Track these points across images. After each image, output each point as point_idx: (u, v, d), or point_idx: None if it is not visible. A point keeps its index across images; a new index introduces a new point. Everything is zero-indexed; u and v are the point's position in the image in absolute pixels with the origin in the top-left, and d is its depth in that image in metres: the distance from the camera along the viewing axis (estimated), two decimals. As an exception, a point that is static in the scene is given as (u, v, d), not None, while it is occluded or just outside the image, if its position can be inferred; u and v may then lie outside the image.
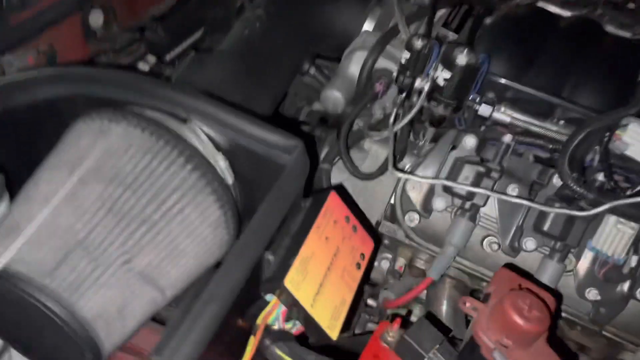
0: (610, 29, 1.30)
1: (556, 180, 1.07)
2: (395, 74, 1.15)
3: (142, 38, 1.36)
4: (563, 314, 1.11)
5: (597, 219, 1.04)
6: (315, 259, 0.85)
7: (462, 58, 1.04)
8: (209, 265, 0.95)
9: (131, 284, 0.83)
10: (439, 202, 1.10)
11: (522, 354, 0.77)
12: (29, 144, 0.99)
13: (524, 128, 1.14)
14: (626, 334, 1.11)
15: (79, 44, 1.30)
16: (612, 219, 1.03)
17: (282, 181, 0.86)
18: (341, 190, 1.13)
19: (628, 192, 1.01)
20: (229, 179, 0.95)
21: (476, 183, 1.08)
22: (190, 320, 0.68)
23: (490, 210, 1.10)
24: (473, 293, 1.19)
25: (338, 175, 1.20)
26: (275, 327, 0.80)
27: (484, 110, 1.13)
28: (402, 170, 1.12)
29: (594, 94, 1.17)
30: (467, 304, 0.81)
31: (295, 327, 0.83)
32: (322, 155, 1.23)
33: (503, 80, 1.16)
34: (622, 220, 1.02)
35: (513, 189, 1.08)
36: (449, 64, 1.06)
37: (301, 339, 0.85)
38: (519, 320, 0.75)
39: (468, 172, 1.08)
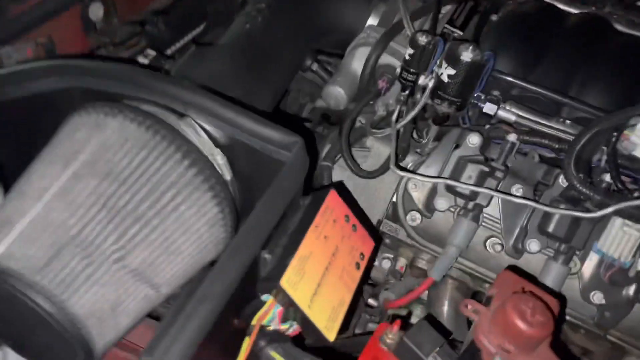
0: (619, 27, 1.28)
1: (562, 181, 1.05)
2: (398, 71, 1.13)
3: (142, 32, 1.35)
4: (567, 317, 1.09)
5: (603, 221, 1.02)
6: (313, 258, 0.83)
7: (467, 55, 1.02)
8: (206, 263, 0.93)
9: (125, 282, 0.81)
10: (442, 202, 1.08)
11: None
12: (25, 138, 0.97)
13: (529, 127, 1.12)
14: (631, 338, 1.08)
15: (79, 36, 1.29)
16: (618, 221, 1.01)
17: (281, 178, 0.84)
18: (341, 189, 1.11)
19: (635, 194, 0.99)
20: (227, 175, 0.94)
21: (480, 182, 1.06)
22: (182, 320, 0.66)
23: (493, 210, 1.08)
24: (475, 295, 1.17)
25: (339, 173, 1.18)
26: (271, 327, 0.78)
27: (489, 108, 1.12)
28: (404, 169, 1.11)
29: (602, 92, 1.15)
30: (469, 307, 0.79)
31: (292, 328, 0.81)
32: (324, 152, 1.21)
33: (509, 78, 1.14)
34: (628, 222, 1.00)
35: (517, 189, 1.06)
36: (453, 60, 1.04)
37: (298, 340, 0.84)
38: (521, 324, 0.73)
39: (471, 171, 1.06)
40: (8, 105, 0.93)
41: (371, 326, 1.25)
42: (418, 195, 1.12)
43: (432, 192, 1.11)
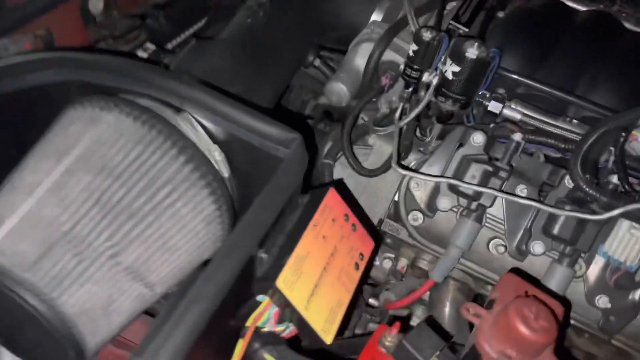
0: (627, 25, 1.26)
1: (567, 182, 1.04)
2: (402, 67, 1.11)
3: (143, 25, 1.33)
4: (571, 321, 1.07)
5: (610, 223, 1.01)
6: (310, 258, 0.81)
7: (472, 51, 1.00)
8: (202, 261, 0.91)
9: (118, 280, 0.79)
10: (444, 202, 1.06)
11: (527, 365, 0.73)
12: (20, 132, 0.95)
13: (535, 126, 1.10)
14: (636, 343, 1.07)
15: (78, 29, 1.27)
16: (625, 224, 1.00)
17: (279, 175, 0.82)
18: (341, 187, 1.09)
19: (643, 196, 0.97)
20: (225, 172, 0.91)
21: (483, 182, 1.04)
22: (173, 321, 0.64)
23: (497, 211, 1.06)
24: (477, 297, 1.15)
25: (341, 170, 1.17)
26: (266, 329, 0.76)
27: (494, 106, 1.10)
28: (406, 168, 1.09)
29: (610, 91, 1.13)
30: (470, 311, 0.77)
31: (288, 330, 0.79)
32: (325, 149, 1.19)
33: (515, 76, 1.12)
34: (636, 225, 0.99)
35: (522, 190, 1.05)
36: (458, 57, 1.02)
37: (295, 342, 0.82)
38: (524, 329, 0.70)
39: (475, 170, 1.04)
40: (3, 98, 0.91)
41: (372, 326, 1.24)
42: (420, 195, 1.10)
43: (435, 192, 1.09)
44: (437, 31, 1.05)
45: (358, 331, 1.21)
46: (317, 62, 1.36)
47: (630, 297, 1.02)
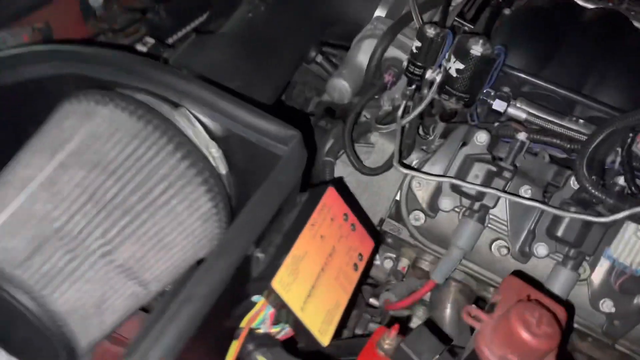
0: (636, 24, 1.24)
1: (573, 183, 1.02)
2: (405, 64, 1.09)
3: (143, 19, 1.31)
4: (574, 325, 1.05)
5: (616, 225, 0.99)
6: (308, 258, 0.79)
7: (476, 49, 0.98)
8: (198, 260, 0.90)
9: (111, 278, 0.78)
10: (446, 202, 1.04)
11: (528, 371, 0.71)
12: (16, 125, 0.94)
13: (540, 126, 1.08)
14: (640, 348, 1.05)
15: (77, 23, 1.26)
16: (631, 227, 0.99)
17: (276, 173, 0.80)
18: (340, 185, 1.07)
19: (650, 199, 0.95)
20: (222, 169, 0.90)
21: (486, 182, 1.02)
22: (165, 321, 0.63)
23: (500, 212, 1.05)
24: (479, 299, 1.13)
25: (342, 169, 1.15)
26: (262, 330, 0.74)
27: (499, 105, 1.08)
28: (408, 166, 1.07)
29: (618, 91, 1.12)
30: (471, 314, 0.75)
31: (284, 331, 0.77)
32: (326, 147, 1.17)
33: (520, 74, 1.10)
34: (642, 228, 0.96)
35: (526, 191, 1.03)
36: (462, 54, 1.00)
37: (291, 343, 0.80)
38: (526, 335, 0.68)
39: (478, 170, 1.03)
40: (-1, 91, 0.90)
41: (372, 326, 1.22)
42: (422, 194, 1.09)
43: (437, 191, 1.07)
44: (441, 28, 1.03)
45: (358, 331, 1.20)
46: (320, 58, 1.34)
47: (635, 301, 1.01)
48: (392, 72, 1.16)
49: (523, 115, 1.08)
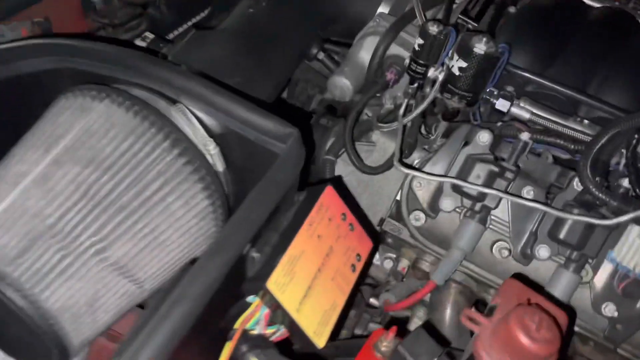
0: (644, 23, 1.22)
1: (576, 184, 1.00)
2: (407, 62, 1.07)
3: (144, 14, 1.30)
4: (576, 329, 1.03)
5: (619, 228, 0.97)
6: (304, 258, 0.78)
7: (480, 47, 0.97)
8: (194, 258, 0.89)
9: (104, 276, 0.77)
10: (447, 202, 1.03)
11: (528, 376, 0.69)
12: (12, 120, 0.93)
13: (544, 126, 1.07)
14: (643, 353, 1.03)
15: (77, 17, 1.25)
16: (635, 230, 0.97)
17: (274, 171, 0.79)
18: (339, 185, 1.06)
19: (656, 201, 0.93)
20: (219, 166, 0.89)
21: (488, 183, 1.01)
22: (156, 321, 0.61)
23: (502, 213, 1.03)
24: (478, 302, 1.11)
25: (343, 167, 1.13)
26: (256, 331, 0.73)
27: (502, 104, 1.06)
28: (408, 166, 1.05)
29: (623, 91, 1.10)
30: (469, 318, 0.74)
31: (279, 332, 0.76)
32: (327, 145, 1.16)
33: (524, 73, 1.09)
34: (646, 231, 0.95)
35: (528, 192, 1.01)
36: (465, 52, 0.98)
37: (286, 345, 0.79)
38: (525, 340, 0.67)
39: (480, 170, 1.01)
40: (-6, 86, 0.89)
41: (372, 326, 1.21)
42: (423, 194, 1.07)
43: (438, 192, 1.05)
44: (444, 25, 1.01)
45: (358, 331, 1.19)
46: (321, 56, 1.32)
47: (638, 305, 0.99)
48: (395, 70, 1.15)
49: (526, 115, 1.07)
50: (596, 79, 1.12)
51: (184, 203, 0.84)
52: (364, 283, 1.22)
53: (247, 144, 0.85)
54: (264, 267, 0.75)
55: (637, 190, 0.95)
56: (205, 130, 0.87)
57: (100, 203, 0.77)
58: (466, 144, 1.05)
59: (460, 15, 1.22)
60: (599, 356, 1.08)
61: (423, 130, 1.15)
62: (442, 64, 1.02)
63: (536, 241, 1.01)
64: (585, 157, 0.95)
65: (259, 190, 0.77)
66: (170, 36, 1.35)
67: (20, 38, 1.11)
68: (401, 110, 1.08)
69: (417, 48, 1.03)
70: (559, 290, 0.98)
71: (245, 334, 0.72)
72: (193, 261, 0.81)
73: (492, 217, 1.03)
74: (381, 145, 1.13)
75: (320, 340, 0.76)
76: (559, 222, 0.98)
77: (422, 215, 1.07)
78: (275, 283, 0.73)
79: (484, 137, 1.03)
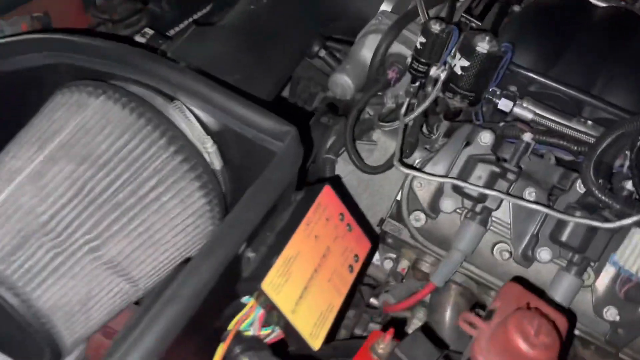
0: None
1: (579, 186, 0.99)
2: (409, 61, 1.06)
3: (144, 10, 1.29)
4: (577, 332, 1.02)
5: (622, 231, 0.96)
6: (301, 259, 0.76)
7: (482, 46, 0.95)
8: (190, 257, 0.88)
9: (97, 275, 0.76)
10: (447, 203, 1.02)
11: (526, 382, 0.68)
12: (9, 116, 0.92)
13: (547, 126, 1.05)
14: (645, 357, 1.02)
15: (77, 12, 1.24)
16: (638, 233, 0.95)
17: (271, 170, 0.78)
18: (338, 184, 1.05)
19: (659, 204, 0.92)
20: (217, 164, 0.88)
21: (490, 184, 0.99)
22: (147, 322, 0.60)
23: (503, 214, 1.01)
24: (477, 306, 1.10)
25: (343, 166, 1.12)
26: (250, 332, 0.72)
27: (504, 104, 1.05)
28: (409, 166, 1.04)
29: (628, 92, 1.08)
30: (468, 321, 0.72)
31: (274, 334, 0.75)
32: (328, 144, 1.15)
33: (527, 73, 1.07)
34: (649, 234, 0.93)
35: (530, 193, 1.00)
36: (468, 51, 0.97)
37: (282, 346, 0.78)
38: (523, 345, 0.66)
39: (481, 171, 1.00)
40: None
41: (372, 326, 1.20)
42: (423, 195, 1.06)
43: (438, 192, 1.04)
44: (447, 23, 1.00)
45: (357, 332, 1.18)
46: (323, 53, 1.31)
47: (641, 310, 0.98)
48: (396, 68, 1.13)
49: (529, 116, 1.05)
50: (600, 79, 1.11)
51: (180, 201, 0.83)
52: (364, 283, 1.21)
53: (245, 142, 0.84)
54: (260, 267, 0.74)
55: (641, 193, 0.94)
56: (202, 128, 0.86)
57: (94, 200, 0.76)
58: (468, 144, 1.03)
59: (463, 14, 1.20)
60: (600, 360, 1.06)
61: (424, 130, 1.14)
62: (445, 63, 1.01)
63: (537, 243, 1.00)
64: (589, 158, 0.94)
65: (255, 189, 0.76)
66: (171, 32, 1.34)
67: (19, 33, 1.10)
68: (403, 109, 1.06)
69: (419, 46, 1.01)
70: (560, 293, 0.97)
71: (239, 335, 0.71)
72: (187, 260, 0.80)
73: (493, 218, 1.02)
74: (382, 144, 1.12)
75: (315, 342, 0.75)
76: (560, 225, 0.97)
77: (422, 216, 1.06)
78: (270, 284, 0.72)
79: (485, 138, 1.02)
